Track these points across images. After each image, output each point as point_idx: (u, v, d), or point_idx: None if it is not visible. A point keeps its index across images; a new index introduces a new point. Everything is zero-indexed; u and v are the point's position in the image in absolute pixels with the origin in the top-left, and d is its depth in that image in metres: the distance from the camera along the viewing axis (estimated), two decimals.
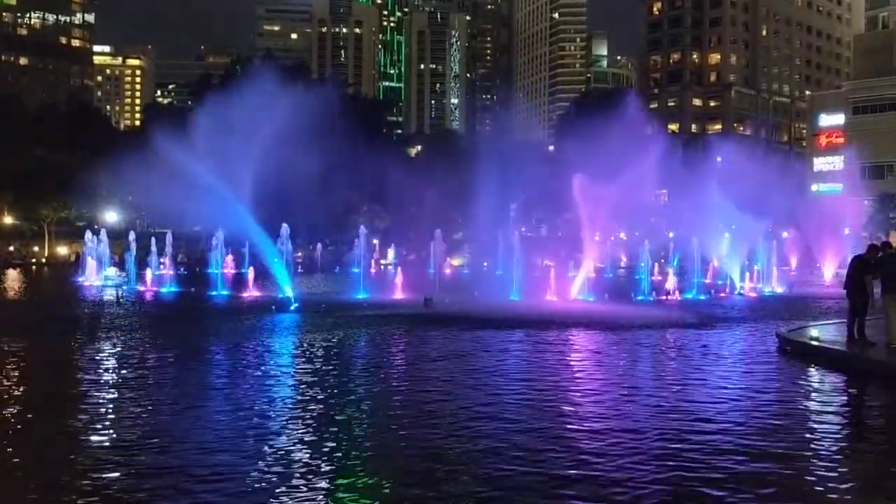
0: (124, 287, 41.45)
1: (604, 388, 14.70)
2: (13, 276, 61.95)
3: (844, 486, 8.88)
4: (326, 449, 10.02)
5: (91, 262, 54.78)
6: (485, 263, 62.55)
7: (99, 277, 51.83)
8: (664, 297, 40.63)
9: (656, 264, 54.44)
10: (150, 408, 12.59)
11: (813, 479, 8.96)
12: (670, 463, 9.31)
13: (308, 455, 9.69)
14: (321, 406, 12.76)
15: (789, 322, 25.20)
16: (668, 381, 15.50)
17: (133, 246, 52.21)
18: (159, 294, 42.04)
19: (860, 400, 14.60)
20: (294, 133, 39.20)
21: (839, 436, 11.42)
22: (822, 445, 10.68)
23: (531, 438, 10.52)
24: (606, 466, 9.15)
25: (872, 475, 9.39)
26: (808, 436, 11.11)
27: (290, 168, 39.22)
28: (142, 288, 45.57)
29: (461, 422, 11.59)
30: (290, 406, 12.92)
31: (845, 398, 14.71)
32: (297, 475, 8.83)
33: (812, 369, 17.00)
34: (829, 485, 8.81)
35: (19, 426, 11.53)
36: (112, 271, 52.72)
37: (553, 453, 9.74)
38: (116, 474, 8.85)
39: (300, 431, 10.98)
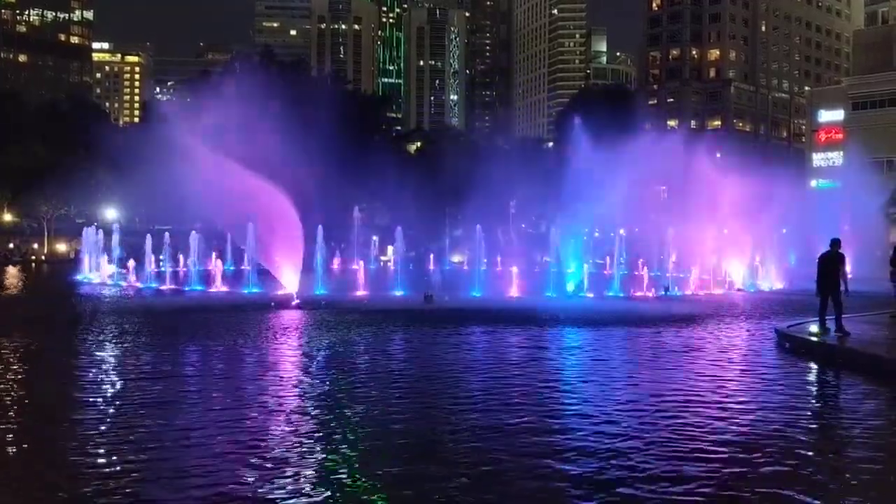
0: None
1: (608, 382, 14.75)
2: (11, 273, 62.00)
3: (846, 481, 8.92)
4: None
5: (89, 260, 54.85)
6: (484, 260, 62.53)
7: (98, 274, 51.87)
8: (663, 293, 40.68)
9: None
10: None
11: (817, 474, 9.00)
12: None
13: None
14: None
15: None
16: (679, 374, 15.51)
17: (129, 243, 52.23)
18: (160, 292, 42.06)
19: (860, 395, 14.61)
20: (294, 130, 39.24)
21: (839, 431, 11.45)
22: (824, 440, 10.73)
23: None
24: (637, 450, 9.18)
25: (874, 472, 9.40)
26: (808, 429, 11.14)
27: (290, 165, 39.24)
28: (140, 285, 45.65)
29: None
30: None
31: (844, 393, 14.72)
32: None
33: (812, 364, 17.04)
34: (833, 480, 8.86)
35: None
36: (111, 268, 52.73)
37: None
38: None
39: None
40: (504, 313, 28.34)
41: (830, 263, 18.96)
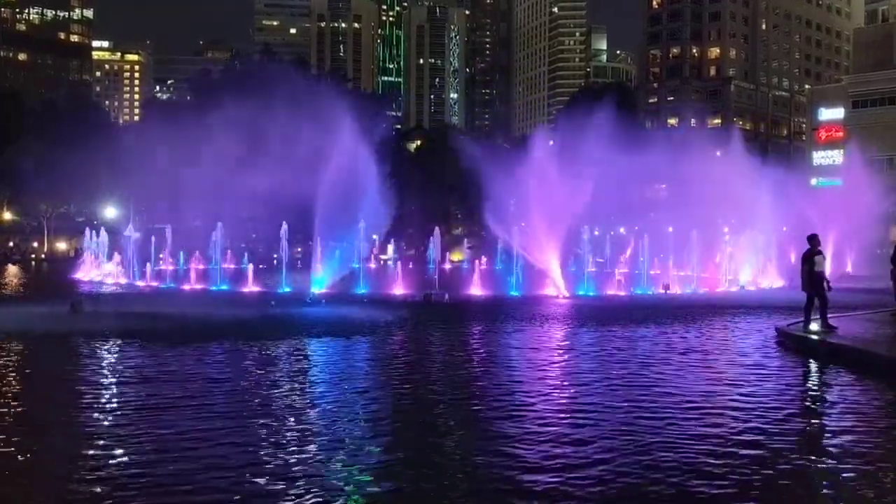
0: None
1: (612, 378, 14.72)
2: (11, 272, 62.02)
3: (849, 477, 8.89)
4: None
5: (89, 258, 54.85)
6: (483, 258, 62.58)
7: (98, 272, 51.88)
8: (664, 291, 40.70)
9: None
10: None
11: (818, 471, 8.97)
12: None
13: None
14: None
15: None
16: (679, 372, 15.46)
17: (132, 242, 52.26)
18: (160, 290, 42.06)
19: (858, 393, 14.58)
20: (293, 130, 39.28)
21: (838, 428, 11.42)
22: (823, 437, 10.69)
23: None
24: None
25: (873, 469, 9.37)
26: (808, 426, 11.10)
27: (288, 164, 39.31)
28: (141, 284, 45.64)
29: None
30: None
31: (842, 391, 14.67)
32: None
33: (812, 363, 17.01)
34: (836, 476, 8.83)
35: None
36: (111, 267, 52.72)
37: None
38: None
39: None
40: (503, 311, 28.32)
41: (805, 261, 19.17)
